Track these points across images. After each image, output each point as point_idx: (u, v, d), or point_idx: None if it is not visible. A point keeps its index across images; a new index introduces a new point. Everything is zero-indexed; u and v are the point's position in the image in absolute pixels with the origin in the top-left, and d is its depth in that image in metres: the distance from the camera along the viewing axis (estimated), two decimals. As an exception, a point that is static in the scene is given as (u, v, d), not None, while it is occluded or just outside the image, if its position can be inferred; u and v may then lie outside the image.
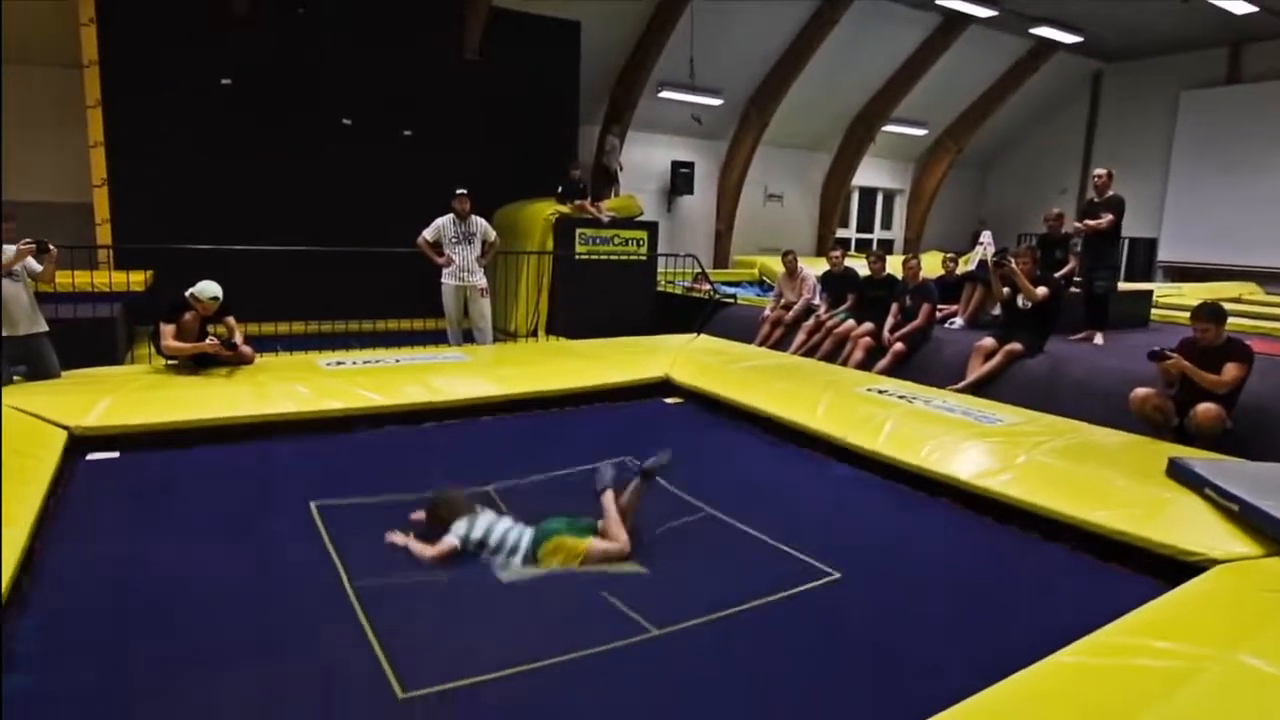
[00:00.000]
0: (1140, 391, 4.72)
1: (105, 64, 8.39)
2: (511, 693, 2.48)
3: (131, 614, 2.81)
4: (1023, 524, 3.81)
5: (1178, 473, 3.77)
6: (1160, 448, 4.26)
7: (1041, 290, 6.06)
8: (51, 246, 4.97)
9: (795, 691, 2.56)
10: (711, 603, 3.09)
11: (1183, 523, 3.38)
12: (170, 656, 2.56)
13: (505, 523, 3.49)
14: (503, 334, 9.12)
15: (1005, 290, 6.32)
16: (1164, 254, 15.61)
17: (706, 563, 3.57)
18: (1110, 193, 6.87)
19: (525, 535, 3.43)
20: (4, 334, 4.77)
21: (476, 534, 3.43)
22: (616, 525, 3.47)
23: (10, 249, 4.79)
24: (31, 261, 4.97)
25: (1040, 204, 16.38)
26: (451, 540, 3.40)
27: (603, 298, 9.02)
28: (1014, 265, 6.12)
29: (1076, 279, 7.31)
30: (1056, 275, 6.82)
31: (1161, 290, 11.42)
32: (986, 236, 9.51)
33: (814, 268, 8.57)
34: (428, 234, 7.27)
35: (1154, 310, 9.21)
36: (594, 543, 3.38)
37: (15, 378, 4.95)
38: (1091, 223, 6.80)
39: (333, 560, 3.31)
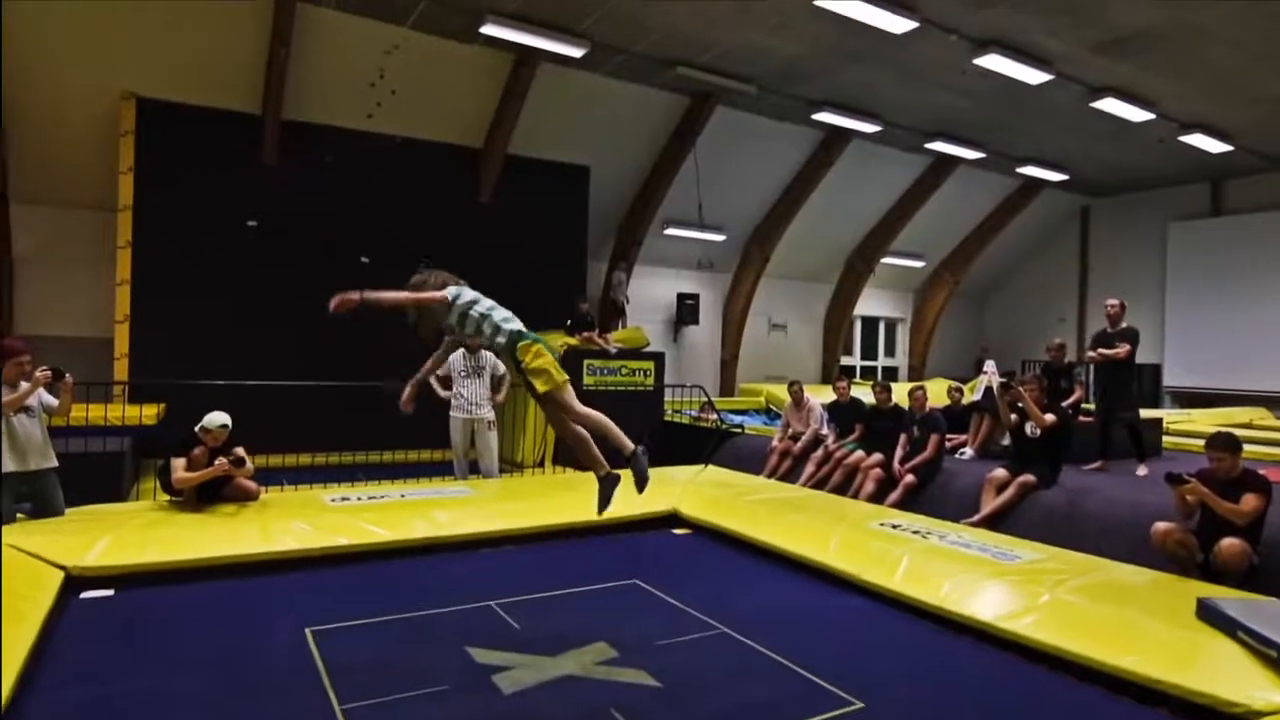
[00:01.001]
0: (1161, 526, 4.60)
1: (139, 208, 8.85)
2: None
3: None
4: (1052, 665, 3.62)
5: (1208, 614, 3.61)
6: (1187, 586, 4.11)
7: (1050, 417, 6.06)
8: (68, 376, 5.06)
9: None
10: None
11: (1219, 670, 3.21)
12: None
13: (492, 301, 3.75)
14: (510, 465, 9.07)
15: (1014, 418, 6.32)
16: (1169, 380, 15.68)
17: (722, 682, 3.48)
18: (1124, 324, 6.85)
19: (514, 322, 3.73)
20: (14, 469, 4.79)
21: (466, 296, 3.71)
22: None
23: (24, 384, 4.88)
24: (46, 396, 5.04)
25: (1040, 332, 16.69)
26: (447, 292, 3.65)
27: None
28: (1021, 390, 6.15)
29: (1085, 407, 7.29)
30: (1064, 405, 6.82)
31: (1171, 417, 11.37)
32: (990, 365, 9.59)
33: (820, 396, 8.62)
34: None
35: (1166, 438, 9.14)
36: (569, 389, 3.69)
37: (19, 515, 4.91)
38: (1108, 352, 6.73)
39: (324, 685, 3.23)
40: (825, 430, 7.85)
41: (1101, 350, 6.81)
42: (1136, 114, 10.98)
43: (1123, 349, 6.70)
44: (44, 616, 3.67)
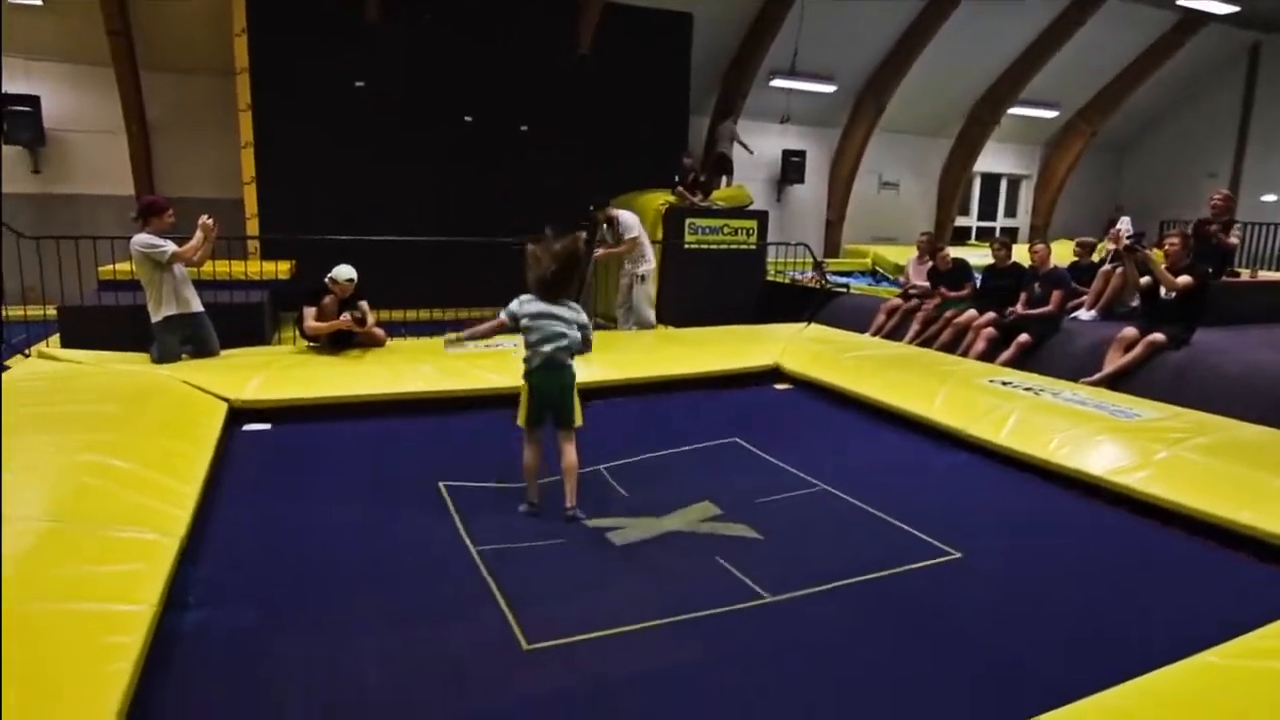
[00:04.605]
0: (1303, 387, 4.32)
1: (254, 70, 9.10)
2: (629, 647, 2.59)
3: (286, 569, 3.09)
4: (1165, 521, 3.58)
5: (1346, 474, 3.45)
6: (1325, 447, 3.90)
7: (1182, 279, 5.63)
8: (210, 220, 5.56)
9: (909, 665, 2.54)
10: (827, 572, 3.11)
11: (1350, 527, 3.10)
12: (319, 606, 2.81)
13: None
14: (611, 322, 9.29)
15: (1145, 280, 5.92)
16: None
17: (821, 534, 3.60)
18: None
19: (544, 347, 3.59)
20: (180, 311, 5.36)
21: (527, 309, 3.60)
22: None
23: (170, 244, 5.36)
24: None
25: (1185, 189, 15.18)
26: (505, 316, 3.63)
27: (712, 287, 9.05)
28: (1148, 252, 5.72)
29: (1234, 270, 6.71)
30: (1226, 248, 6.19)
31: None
32: (1125, 223, 8.81)
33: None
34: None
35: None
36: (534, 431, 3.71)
37: (183, 355, 5.50)
38: None
39: (459, 530, 3.52)
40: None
41: None
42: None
43: None
44: (215, 441, 4.17)
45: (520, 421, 3.70)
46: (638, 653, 2.56)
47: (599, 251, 7.75)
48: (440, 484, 4.03)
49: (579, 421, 3.71)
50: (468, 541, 3.38)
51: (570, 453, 3.67)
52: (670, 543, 3.45)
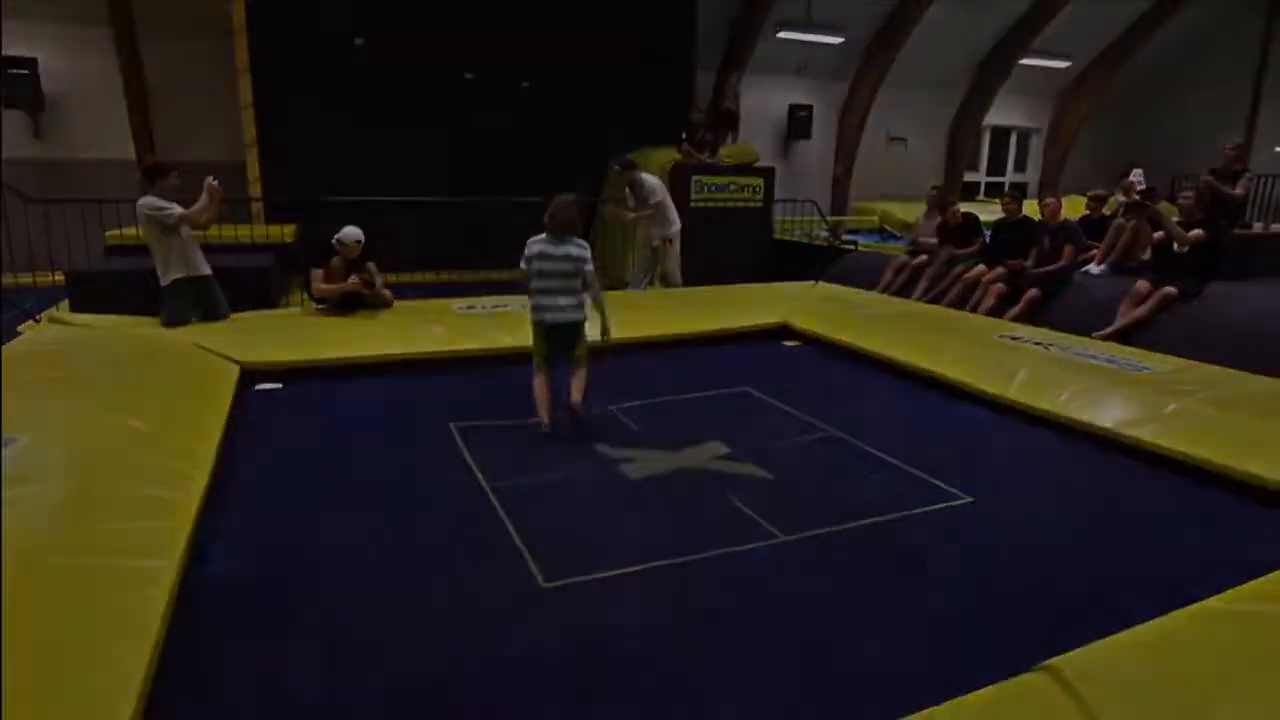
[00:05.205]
0: (1315, 338, 4.31)
1: (252, 30, 8.92)
2: (645, 586, 2.65)
3: (306, 517, 3.15)
4: (1175, 471, 3.60)
5: (1356, 424, 3.45)
6: (1336, 398, 3.90)
7: (1195, 233, 5.57)
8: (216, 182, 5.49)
9: (922, 604, 2.60)
10: (839, 513, 3.17)
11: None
12: (338, 555, 2.86)
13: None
14: (622, 286, 9.25)
15: (1158, 235, 5.86)
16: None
17: (833, 477, 3.66)
18: None
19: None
20: (188, 275, 5.37)
21: (533, 250, 3.96)
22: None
23: (176, 206, 5.32)
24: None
25: (1200, 142, 14.88)
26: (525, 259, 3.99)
27: (720, 245, 8.98)
28: (1158, 206, 5.66)
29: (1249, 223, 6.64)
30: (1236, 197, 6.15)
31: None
32: (1137, 174, 8.73)
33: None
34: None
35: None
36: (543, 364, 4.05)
37: (192, 318, 5.51)
38: None
39: (472, 469, 3.60)
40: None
41: None
42: None
43: None
44: (229, 402, 4.20)
45: (535, 358, 3.98)
46: (653, 591, 2.62)
47: (630, 215, 7.63)
48: (451, 424, 4.14)
49: (584, 353, 4.04)
50: (482, 480, 3.45)
51: (580, 373, 4.00)
52: (682, 480, 3.53)
